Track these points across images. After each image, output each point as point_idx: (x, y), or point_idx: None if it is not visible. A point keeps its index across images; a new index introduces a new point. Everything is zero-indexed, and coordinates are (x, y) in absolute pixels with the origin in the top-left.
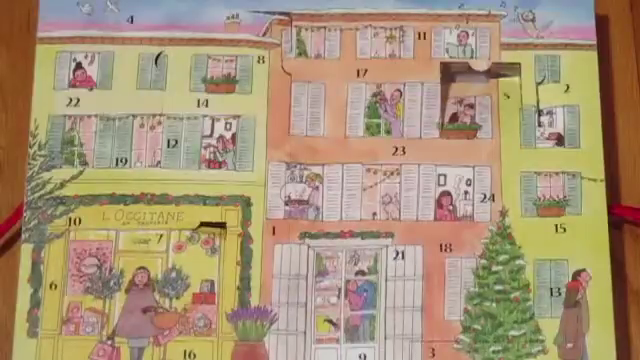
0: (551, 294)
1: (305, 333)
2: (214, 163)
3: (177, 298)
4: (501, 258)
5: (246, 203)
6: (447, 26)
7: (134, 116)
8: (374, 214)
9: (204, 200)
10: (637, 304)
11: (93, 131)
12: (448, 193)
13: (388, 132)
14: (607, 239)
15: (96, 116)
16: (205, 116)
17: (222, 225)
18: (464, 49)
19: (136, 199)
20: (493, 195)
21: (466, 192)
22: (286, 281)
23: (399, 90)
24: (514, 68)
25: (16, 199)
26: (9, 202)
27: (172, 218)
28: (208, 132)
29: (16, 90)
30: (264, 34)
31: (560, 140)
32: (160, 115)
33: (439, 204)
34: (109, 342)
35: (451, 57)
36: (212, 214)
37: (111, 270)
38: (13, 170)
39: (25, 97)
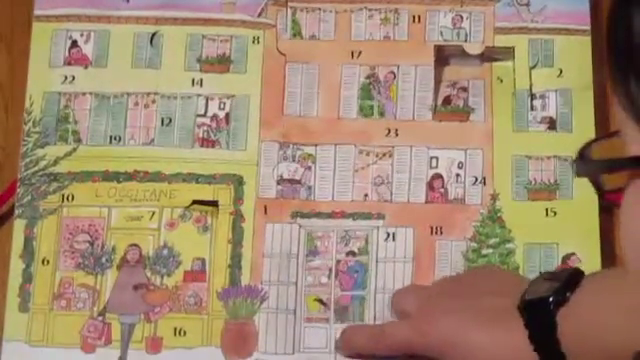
0: None
1: (295, 312)
2: (207, 142)
3: (168, 275)
4: (491, 241)
5: (238, 182)
6: (442, 9)
7: (129, 94)
8: (366, 195)
9: (197, 178)
10: None
11: (87, 109)
12: (440, 176)
13: (381, 114)
14: (597, 223)
15: (91, 94)
16: (199, 95)
17: (214, 203)
18: (458, 32)
19: (129, 176)
20: (484, 178)
21: (458, 175)
22: (277, 260)
23: (393, 72)
24: (508, 52)
25: None
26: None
27: (165, 196)
28: (202, 111)
29: (16, 90)
30: (259, 15)
31: (552, 124)
32: (154, 94)
33: (430, 186)
34: (100, 318)
35: (445, 40)
36: (204, 192)
37: (103, 247)
38: (13, 170)
39: (25, 97)
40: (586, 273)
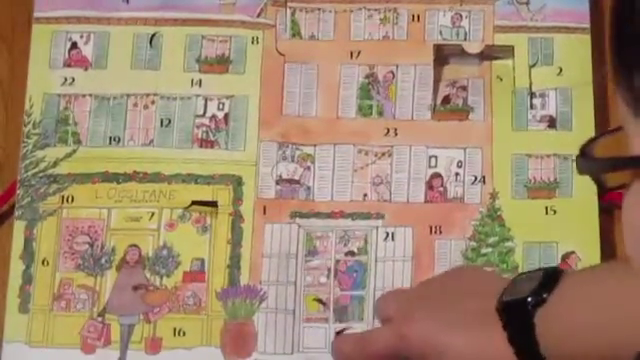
0: None
1: (294, 312)
2: (206, 142)
3: (168, 276)
4: (491, 240)
5: (237, 182)
6: (441, 8)
7: (128, 96)
8: (365, 195)
9: (196, 179)
10: None
11: (87, 110)
12: (439, 175)
13: (380, 114)
14: (597, 222)
15: (90, 95)
16: (198, 96)
17: (213, 204)
18: (457, 31)
19: (129, 177)
20: (484, 177)
21: (457, 174)
22: (276, 260)
23: (392, 72)
24: (507, 51)
25: None
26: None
27: (164, 196)
28: (201, 112)
29: (16, 91)
30: (258, 15)
31: (552, 122)
32: (154, 95)
33: (430, 186)
34: (100, 319)
35: (444, 39)
36: (204, 193)
37: (103, 248)
38: (13, 171)
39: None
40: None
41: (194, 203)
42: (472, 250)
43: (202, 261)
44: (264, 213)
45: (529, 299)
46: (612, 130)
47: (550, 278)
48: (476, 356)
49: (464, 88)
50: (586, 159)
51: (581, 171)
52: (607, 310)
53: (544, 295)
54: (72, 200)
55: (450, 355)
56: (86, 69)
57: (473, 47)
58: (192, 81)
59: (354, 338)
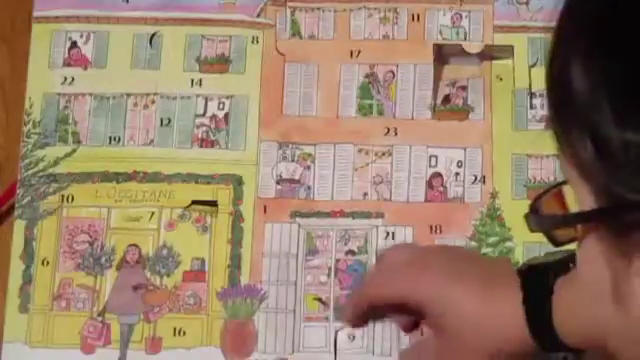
0: None
1: (294, 311)
2: (206, 142)
3: (168, 276)
4: (491, 240)
5: (237, 182)
6: (441, 8)
7: (128, 95)
8: (365, 194)
9: (196, 178)
10: None
11: (87, 110)
12: (439, 174)
13: (380, 113)
14: None
15: (90, 95)
16: (198, 95)
17: (213, 204)
18: (457, 31)
19: (128, 177)
20: (484, 177)
21: (457, 174)
22: (276, 260)
23: (392, 71)
24: (507, 51)
25: None
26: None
27: (164, 196)
28: (201, 111)
29: (16, 91)
30: (258, 15)
31: None
32: (154, 94)
33: (430, 185)
34: (100, 318)
35: (444, 39)
36: (204, 193)
37: (103, 247)
38: (13, 171)
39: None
40: None
41: (194, 203)
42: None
43: (202, 261)
44: (264, 212)
45: (553, 264)
46: (558, 184)
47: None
48: (489, 319)
49: (464, 88)
50: (536, 217)
51: (531, 228)
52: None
53: (570, 265)
54: (72, 199)
55: (457, 310)
56: (86, 68)
57: (473, 47)
58: (192, 81)
59: (363, 284)
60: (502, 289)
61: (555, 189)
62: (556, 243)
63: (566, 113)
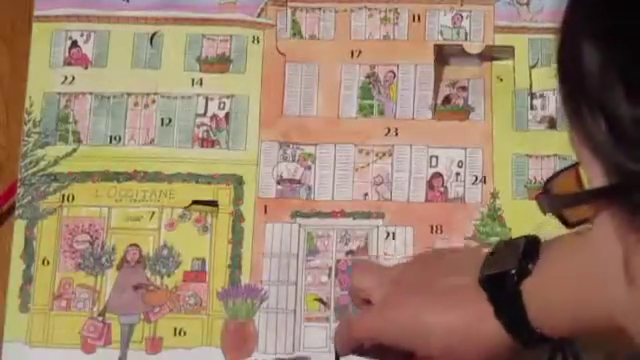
0: None
1: (295, 311)
2: (207, 142)
3: (168, 276)
4: (491, 240)
5: (238, 182)
6: (442, 8)
7: (128, 94)
8: (365, 194)
9: (196, 178)
10: None
11: (87, 109)
12: (439, 175)
13: (381, 113)
14: None
15: (91, 94)
16: (199, 95)
17: (214, 203)
18: (458, 32)
19: (129, 176)
20: (484, 177)
21: (457, 174)
22: (277, 260)
23: (392, 72)
24: (507, 51)
25: None
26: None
27: (164, 196)
28: (202, 111)
29: (16, 90)
30: (259, 15)
31: (552, 123)
32: (154, 94)
33: (430, 185)
34: (100, 318)
35: (445, 39)
36: (204, 192)
37: (103, 247)
38: (14, 170)
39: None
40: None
41: (194, 202)
42: None
43: (203, 261)
44: (265, 213)
45: (513, 270)
46: (570, 166)
47: (531, 247)
48: (464, 333)
49: (464, 88)
50: (548, 197)
51: (543, 209)
52: (584, 284)
53: (529, 266)
54: (72, 199)
55: (438, 335)
56: (86, 68)
57: (473, 47)
58: (193, 80)
59: (341, 324)
60: (473, 305)
61: (568, 170)
62: (568, 224)
63: (578, 93)
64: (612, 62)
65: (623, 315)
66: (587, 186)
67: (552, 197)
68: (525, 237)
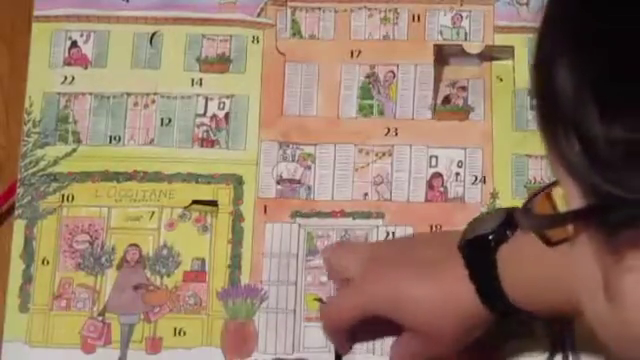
0: None
1: (295, 311)
2: (207, 142)
3: (168, 276)
4: None
5: (238, 182)
6: (441, 8)
7: (128, 94)
8: (365, 194)
9: (196, 178)
10: None
11: (87, 109)
12: (439, 175)
13: (381, 113)
14: None
15: (90, 94)
16: (199, 95)
17: (214, 203)
18: (458, 32)
19: (129, 176)
20: (484, 177)
21: (457, 174)
22: (277, 260)
23: (392, 72)
24: (507, 51)
25: None
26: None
27: (164, 196)
28: (202, 111)
29: (16, 90)
30: (259, 14)
31: None
32: (154, 94)
33: (430, 185)
34: (100, 318)
35: (445, 39)
36: (204, 192)
37: (103, 247)
38: (13, 170)
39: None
40: None
41: (194, 202)
42: None
43: (202, 261)
44: (265, 213)
45: (491, 236)
46: (549, 185)
47: (513, 218)
48: (442, 300)
49: (464, 88)
50: (528, 216)
51: (523, 228)
52: (559, 276)
53: (507, 232)
54: (72, 199)
55: (417, 306)
56: (86, 68)
57: (473, 47)
58: (192, 80)
59: (323, 308)
60: (449, 273)
61: (546, 190)
62: (549, 243)
63: (552, 112)
64: (585, 82)
65: (602, 325)
66: (563, 206)
67: (530, 218)
68: (507, 209)
